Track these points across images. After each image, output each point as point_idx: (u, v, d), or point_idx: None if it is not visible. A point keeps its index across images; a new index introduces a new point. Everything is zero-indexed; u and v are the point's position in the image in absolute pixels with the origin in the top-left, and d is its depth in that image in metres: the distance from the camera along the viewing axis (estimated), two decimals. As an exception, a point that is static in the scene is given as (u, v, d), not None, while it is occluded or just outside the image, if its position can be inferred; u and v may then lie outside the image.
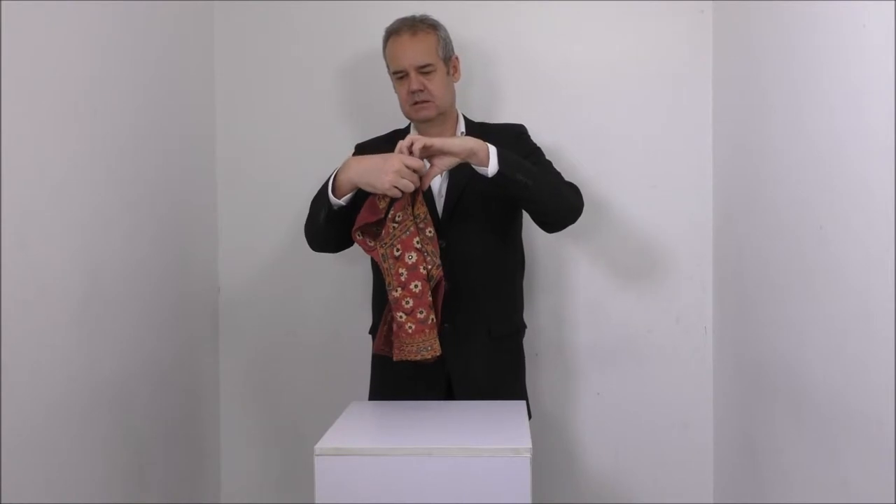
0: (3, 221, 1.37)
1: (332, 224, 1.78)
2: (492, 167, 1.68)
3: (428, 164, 1.70)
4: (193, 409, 2.23)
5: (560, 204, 1.82)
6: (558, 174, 1.89)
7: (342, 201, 1.74)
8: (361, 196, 1.73)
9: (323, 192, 1.76)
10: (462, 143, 1.69)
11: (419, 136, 1.71)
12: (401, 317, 1.70)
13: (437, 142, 1.68)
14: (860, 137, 1.43)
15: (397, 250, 1.69)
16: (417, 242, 1.70)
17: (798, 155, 1.71)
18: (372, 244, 1.73)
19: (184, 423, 2.16)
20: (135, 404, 1.86)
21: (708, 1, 2.26)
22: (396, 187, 1.65)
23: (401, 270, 1.69)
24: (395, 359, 1.74)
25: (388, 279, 1.71)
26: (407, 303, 1.70)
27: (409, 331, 1.70)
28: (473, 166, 1.71)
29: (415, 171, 1.66)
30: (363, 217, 1.71)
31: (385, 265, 1.71)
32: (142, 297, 1.89)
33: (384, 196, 1.68)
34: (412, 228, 1.70)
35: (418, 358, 1.72)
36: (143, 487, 1.90)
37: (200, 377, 2.28)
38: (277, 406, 2.40)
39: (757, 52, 1.95)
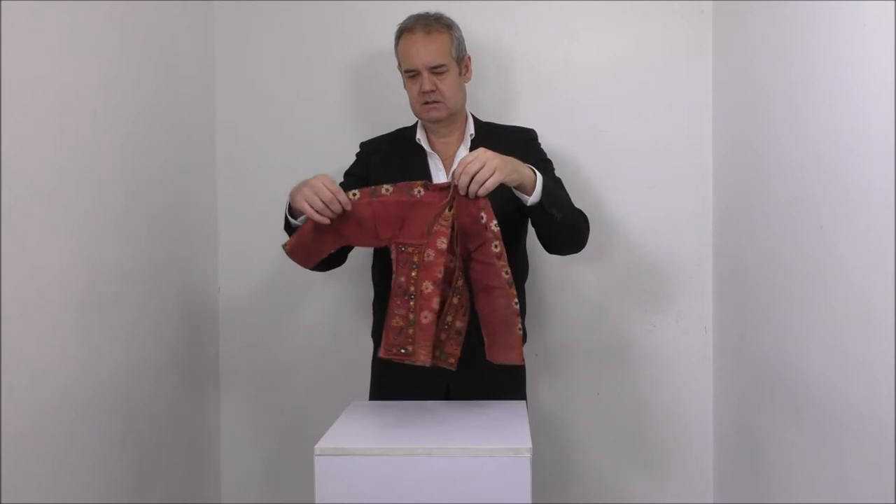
0: (3, 221, 1.37)
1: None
2: (533, 198, 1.65)
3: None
4: (193, 410, 2.23)
5: (574, 237, 1.82)
6: (569, 199, 1.85)
7: (298, 221, 1.70)
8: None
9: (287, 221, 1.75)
10: (518, 176, 1.62)
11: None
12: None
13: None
14: (860, 137, 1.43)
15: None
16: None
17: (798, 155, 1.71)
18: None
19: (184, 423, 2.15)
20: (135, 404, 1.86)
21: (708, 1, 2.27)
22: (314, 209, 1.57)
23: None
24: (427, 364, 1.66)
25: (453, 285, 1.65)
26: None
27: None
28: (514, 191, 1.65)
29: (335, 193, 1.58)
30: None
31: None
32: (142, 298, 1.89)
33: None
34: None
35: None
36: (143, 487, 1.90)
37: (200, 377, 2.28)
38: (277, 406, 2.40)
39: (757, 52, 1.95)
